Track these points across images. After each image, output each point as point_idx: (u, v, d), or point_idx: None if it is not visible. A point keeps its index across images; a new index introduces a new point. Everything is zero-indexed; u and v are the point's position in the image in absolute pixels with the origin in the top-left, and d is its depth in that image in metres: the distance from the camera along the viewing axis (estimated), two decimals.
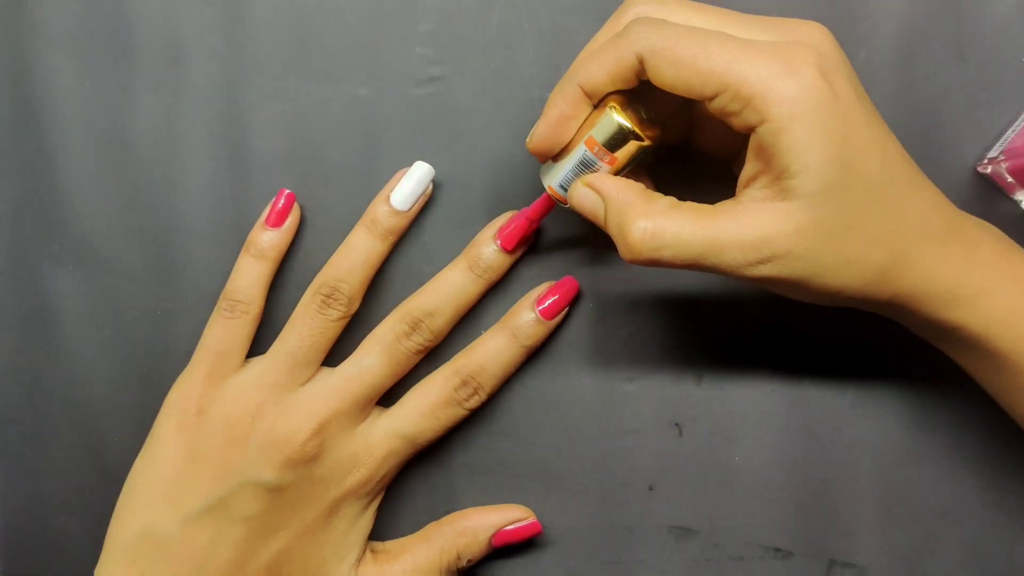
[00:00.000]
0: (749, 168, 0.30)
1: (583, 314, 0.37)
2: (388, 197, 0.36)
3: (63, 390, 0.38)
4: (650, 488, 0.37)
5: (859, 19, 0.37)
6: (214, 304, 0.37)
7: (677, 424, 0.37)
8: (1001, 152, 0.35)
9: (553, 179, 0.33)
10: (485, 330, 0.37)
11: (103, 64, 0.38)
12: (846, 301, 0.30)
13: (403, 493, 0.38)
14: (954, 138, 0.36)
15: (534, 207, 0.35)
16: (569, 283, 0.36)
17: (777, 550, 0.37)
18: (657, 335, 0.37)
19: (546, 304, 0.36)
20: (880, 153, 0.29)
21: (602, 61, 0.30)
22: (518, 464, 0.38)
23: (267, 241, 0.36)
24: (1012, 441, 0.36)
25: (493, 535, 0.36)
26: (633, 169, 0.32)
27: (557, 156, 0.32)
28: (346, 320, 0.36)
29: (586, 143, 0.31)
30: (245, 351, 0.36)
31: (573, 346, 0.37)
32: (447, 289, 0.36)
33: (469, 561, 0.36)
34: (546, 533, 0.37)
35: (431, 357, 0.37)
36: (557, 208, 0.34)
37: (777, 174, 0.29)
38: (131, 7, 0.38)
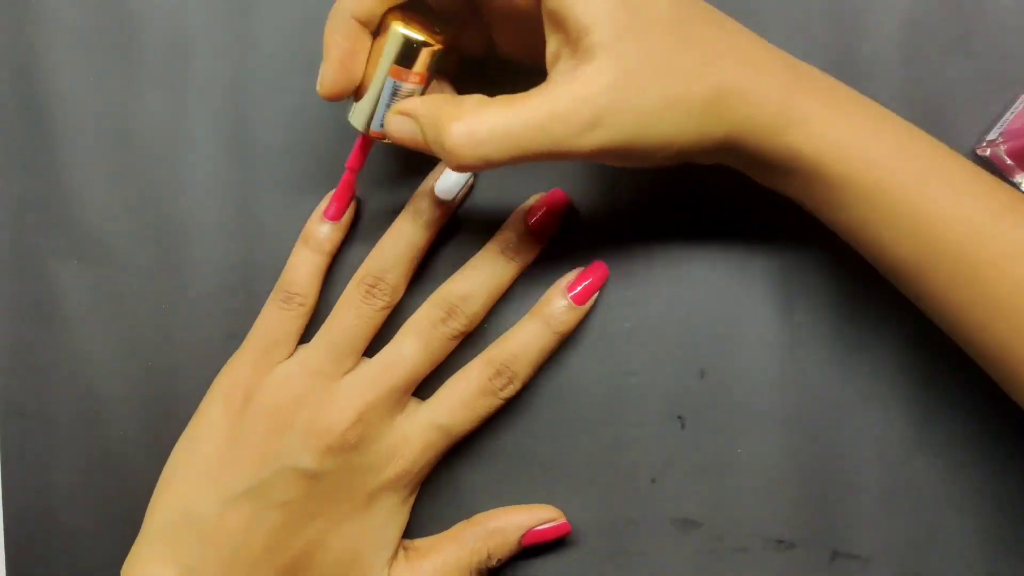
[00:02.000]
0: (551, 46, 0.30)
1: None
2: (432, 187, 0.36)
3: (69, 384, 0.38)
4: (653, 480, 0.37)
5: (862, 13, 0.37)
6: (219, 299, 0.37)
7: (680, 417, 0.37)
8: (1000, 135, 0.35)
9: (371, 120, 0.32)
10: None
11: (109, 59, 0.38)
12: (685, 151, 0.30)
13: None
14: (955, 126, 0.36)
15: (352, 155, 0.34)
16: (599, 268, 0.36)
17: (780, 541, 0.37)
18: (660, 329, 0.37)
19: (578, 290, 0.36)
20: None
21: None
22: (521, 457, 0.38)
23: (324, 234, 0.36)
24: (1016, 432, 0.36)
25: (523, 535, 0.36)
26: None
27: (358, 95, 0.32)
28: (389, 310, 0.36)
29: (390, 73, 0.31)
30: (296, 341, 0.36)
31: (576, 339, 0.37)
32: (481, 273, 0.36)
33: (499, 561, 0.36)
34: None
35: (467, 345, 0.37)
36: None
37: (573, 39, 0.29)
38: (137, 3, 0.38)
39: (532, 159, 0.29)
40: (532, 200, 0.36)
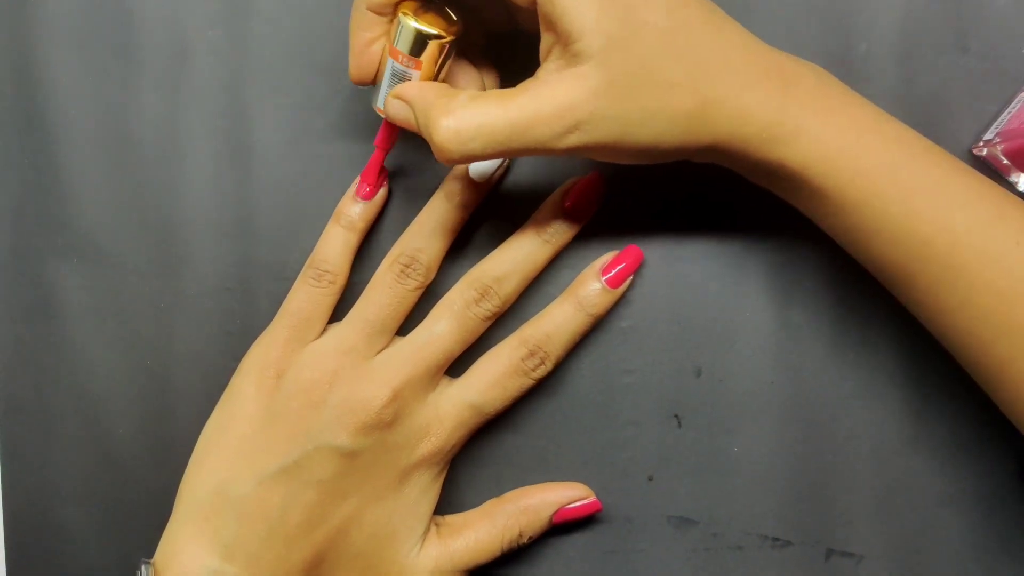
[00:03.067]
0: (544, 42, 0.30)
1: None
2: (467, 168, 0.36)
3: (67, 382, 0.39)
4: (649, 479, 0.37)
5: (858, 11, 0.36)
6: (217, 297, 0.37)
7: (676, 415, 0.37)
8: (996, 135, 0.35)
9: (379, 101, 0.33)
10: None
11: (106, 59, 0.38)
12: (668, 154, 0.30)
13: None
14: (951, 124, 0.36)
15: (379, 134, 0.35)
16: (634, 251, 0.36)
17: (776, 539, 0.37)
18: (657, 328, 0.37)
19: (612, 273, 0.36)
20: (663, 1, 0.29)
21: None
22: (518, 455, 0.38)
23: (357, 212, 0.36)
24: (1010, 429, 0.35)
25: (555, 513, 0.36)
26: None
27: (375, 79, 0.33)
28: (422, 290, 0.36)
29: (391, 55, 0.32)
30: (327, 319, 0.36)
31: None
32: (515, 254, 0.36)
33: (530, 538, 0.36)
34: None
35: (498, 326, 0.37)
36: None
37: (564, 40, 0.29)
38: (134, 2, 0.38)
39: (516, 155, 0.30)
40: (569, 183, 0.36)
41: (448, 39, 0.32)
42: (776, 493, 0.37)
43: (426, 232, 0.36)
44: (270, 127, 0.38)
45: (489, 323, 0.36)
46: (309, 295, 0.36)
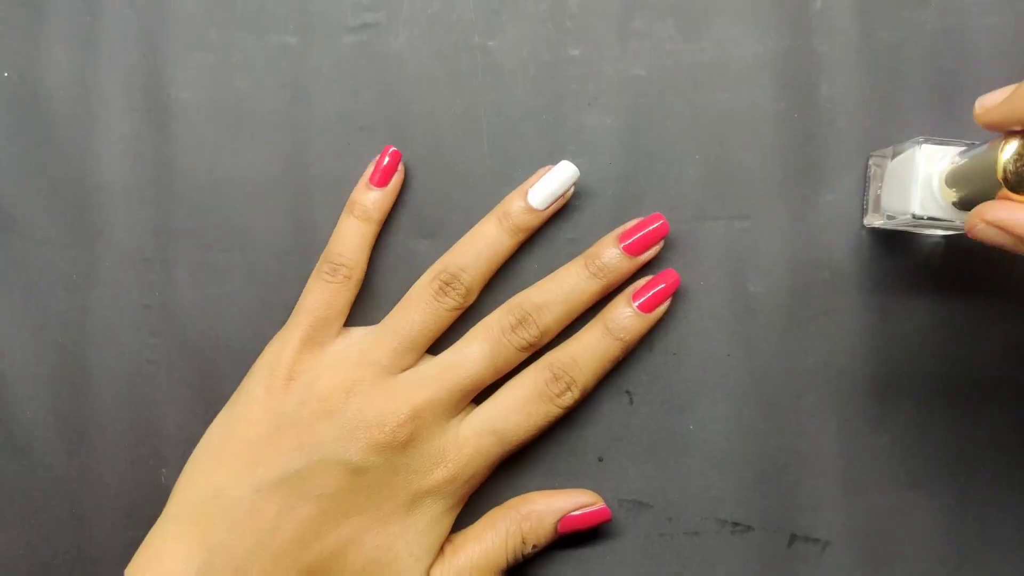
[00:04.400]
0: None
1: (527, 275, 0.36)
2: (526, 193, 0.35)
3: None
4: (600, 459, 0.36)
5: None
6: (134, 268, 0.36)
7: (628, 391, 0.36)
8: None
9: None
10: None
11: (11, 12, 0.37)
12: None
13: None
14: (913, 80, 0.36)
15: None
16: (670, 276, 0.35)
17: (735, 524, 0.36)
18: (606, 297, 0.36)
19: (644, 298, 0.35)
20: None
21: None
22: None
23: (371, 201, 0.35)
24: (983, 408, 0.36)
25: (559, 520, 0.35)
26: None
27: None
28: (460, 311, 0.35)
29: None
30: (344, 316, 0.35)
31: None
32: (561, 286, 0.35)
33: (535, 547, 0.35)
34: (490, 508, 0.36)
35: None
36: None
37: None
38: None
39: None
40: (630, 224, 0.35)
41: None
42: (735, 474, 0.36)
43: (472, 252, 0.35)
44: (189, 84, 0.37)
45: (525, 354, 0.35)
46: (323, 291, 0.35)
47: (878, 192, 0.34)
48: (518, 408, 0.34)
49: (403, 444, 0.33)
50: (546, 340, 0.35)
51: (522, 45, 0.36)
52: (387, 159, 0.35)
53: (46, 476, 0.36)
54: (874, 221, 0.35)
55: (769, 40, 0.36)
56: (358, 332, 0.35)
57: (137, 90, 0.37)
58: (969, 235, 0.28)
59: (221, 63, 0.37)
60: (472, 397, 0.35)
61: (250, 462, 0.33)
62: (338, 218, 0.36)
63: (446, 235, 0.36)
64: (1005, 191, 0.27)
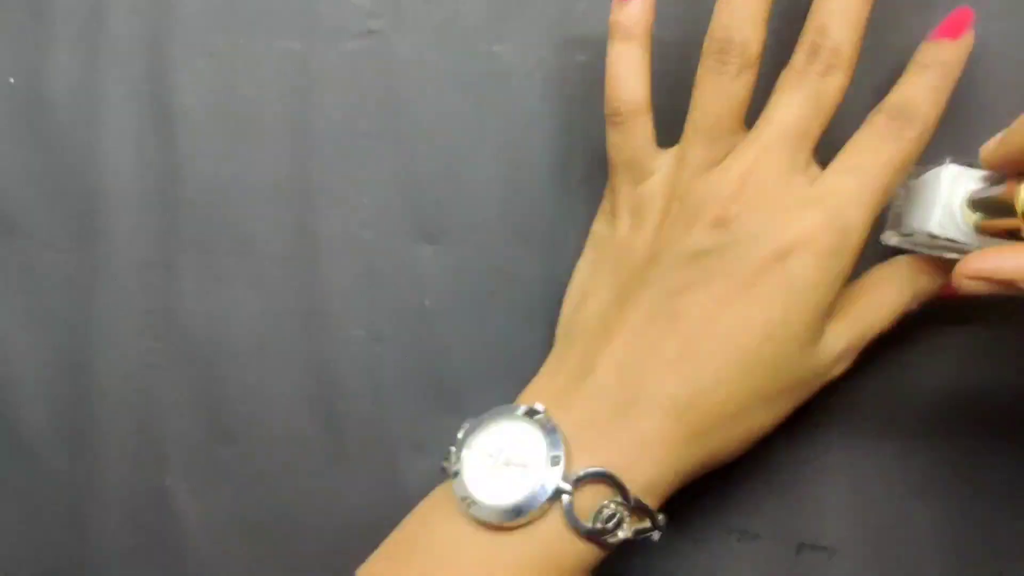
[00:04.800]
0: None
1: (532, 282, 0.37)
2: None
3: None
4: None
5: None
6: (138, 272, 0.37)
7: None
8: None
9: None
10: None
11: (17, 18, 0.38)
12: None
13: (339, 472, 0.37)
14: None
15: None
16: (962, 11, 0.32)
17: (742, 532, 0.36)
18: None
19: (946, 29, 0.32)
20: None
21: None
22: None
23: (630, 18, 0.33)
24: (988, 415, 0.36)
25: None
26: None
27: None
28: (751, 73, 0.32)
29: None
30: (650, 147, 0.33)
31: (523, 316, 0.37)
32: (841, 4, 0.31)
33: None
34: None
35: None
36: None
37: None
38: None
39: None
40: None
41: None
42: (742, 482, 0.36)
43: (727, 10, 0.31)
44: (194, 90, 0.37)
45: (834, 78, 0.31)
46: (620, 139, 0.33)
47: (899, 209, 0.34)
48: (863, 147, 0.31)
49: (742, 212, 0.31)
50: (847, 59, 0.31)
51: (529, 51, 0.36)
52: None
53: (49, 480, 0.37)
54: (891, 239, 0.34)
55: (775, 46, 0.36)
56: (664, 152, 0.34)
57: (142, 95, 0.37)
58: (959, 292, 0.28)
59: (225, 69, 0.37)
60: (807, 147, 0.32)
61: (610, 280, 0.33)
62: (338, 224, 0.36)
63: (452, 241, 0.36)
64: None
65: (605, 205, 0.35)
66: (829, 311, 0.31)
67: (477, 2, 0.37)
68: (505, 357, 0.37)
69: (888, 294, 0.33)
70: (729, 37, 0.31)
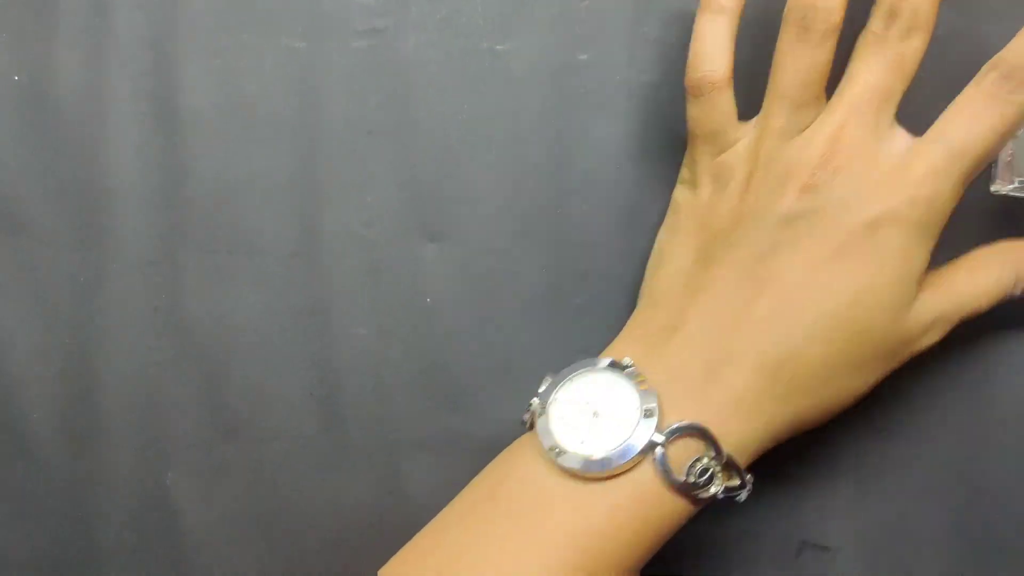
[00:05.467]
0: None
1: (534, 281, 0.37)
2: None
3: None
4: None
5: None
6: (143, 271, 0.37)
7: None
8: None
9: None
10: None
11: (20, 15, 0.38)
12: None
13: (341, 470, 0.37)
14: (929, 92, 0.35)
15: None
16: None
17: (744, 531, 0.36)
18: (611, 301, 0.37)
19: None
20: None
21: None
22: (470, 439, 0.37)
23: None
24: (991, 414, 0.36)
25: None
26: None
27: None
28: (833, 39, 0.31)
29: None
30: (732, 119, 0.33)
31: (525, 314, 0.37)
32: None
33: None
34: None
35: None
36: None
37: None
38: None
39: None
40: None
41: None
42: None
43: None
44: (198, 89, 0.37)
45: (912, 43, 0.31)
46: (698, 110, 0.33)
47: (1009, 158, 0.33)
48: (962, 112, 0.31)
49: (830, 180, 0.31)
50: (924, 13, 0.31)
51: (531, 49, 0.36)
52: None
53: (52, 478, 0.37)
54: (1002, 188, 0.33)
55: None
56: (745, 125, 0.33)
57: (146, 94, 0.37)
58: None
59: (230, 67, 0.37)
60: (890, 111, 0.32)
61: (694, 249, 0.33)
62: (342, 222, 0.36)
63: (454, 239, 0.36)
64: None
65: (684, 173, 0.35)
66: (920, 280, 0.31)
67: (481, 0, 0.37)
68: (507, 355, 0.37)
69: (990, 273, 0.32)
70: (812, 4, 0.31)
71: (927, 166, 0.30)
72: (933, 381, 0.36)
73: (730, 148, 0.33)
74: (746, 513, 0.36)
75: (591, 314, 0.37)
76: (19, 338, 0.38)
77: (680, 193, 0.35)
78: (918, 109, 0.35)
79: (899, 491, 0.36)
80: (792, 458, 0.36)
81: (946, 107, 0.31)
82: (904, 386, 0.36)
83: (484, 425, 0.37)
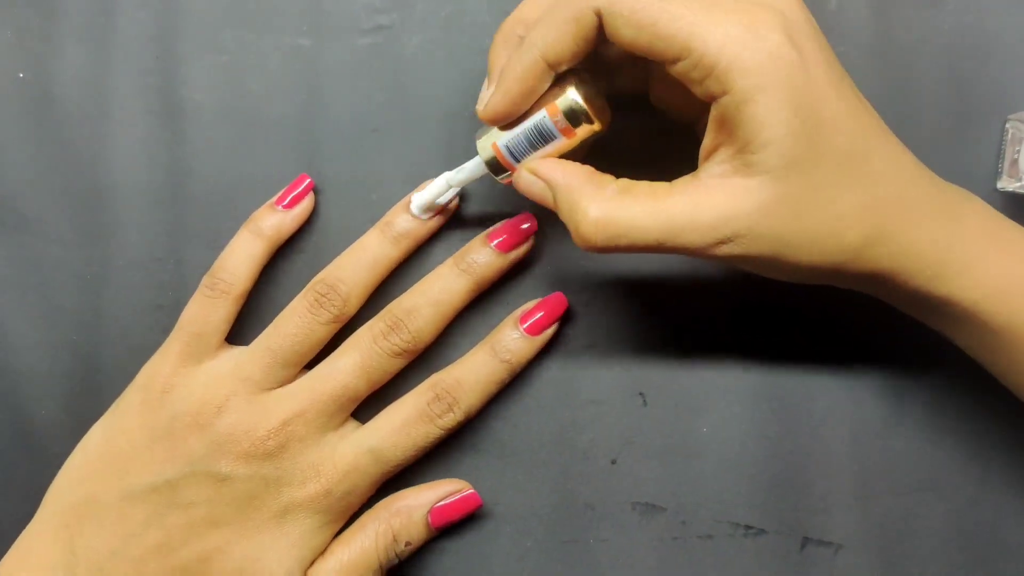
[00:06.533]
0: (709, 139, 0.29)
1: (537, 275, 0.37)
2: (408, 202, 0.35)
3: None
4: (613, 462, 0.37)
5: None
6: (146, 268, 0.38)
7: (641, 393, 0.37)
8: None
9: (500, 137, 0.32)
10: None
11: (25, 14, 0.38)
12: (820, 278, 0.30)
13: None
14: (927, 81, 0.36)
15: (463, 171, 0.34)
16: (556, 300, 0.36)
17: (748, 527, 0.36)
18: (619, 297, 0.37)
19: (530, 321, 0.35)
20: (852, 124, 0.29)
21: (560, 23, 0.29)
22: (471, 438, 0.37)
23: (269, 221, 0.36)
24: (995, 410, 0.36)
25: (429, 512, 0.35)
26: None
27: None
28: (338, 325, 0.35)
29: (548, 110, 0.30)
30: (223, 333, 0.35)
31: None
32: (429, 286, 0.35)
33: (408, 544, 0.35)
34: (500, 511, 0.36)
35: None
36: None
37: (739, 147, 0.28)
38: None
39: (656, 252, 0.30)
40: (499, 224, 0.36)
41: (601, 129, 0.31)
42: (748, 478, 0.37)
43: (352, 263, 0.35)
44: (203, 86, 0.38)
45: (399, 361, 0.35)
46: (202, 306, 0.35)
47: (1015, 156, 0.34)
48: (398, 428, 0.34)
49: (271, 455, 0.33)
50: (421, 345, 0.35)
51: None
52: (300, 187, 0.36)
53: (56, 467, 0.36)
54: (1008, 185, 0.35)
55: None
56: (235, 349, 0.36)
57: (150, 91, 0.38)
58: None
59: (234, 65, 0.37)
60: (349, 409, 0.35)
61: (122, 470, 0.34)
62: (347, 219, 0.37)
63: (459, 237, 0.37)
64: None
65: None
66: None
67: None
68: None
69: (363, 541, 0.35)
70: (334, 286, 0.35)
71: (350, 465, 0.34)
72: (933, 378, 0.36)
73: (205, 360, 0.35)
74: (751, 509, 0.36)
75: (594, 307, 0.37)
76: (26, 334, 0.38)
77: (143, 379, 0.35)
78: (909, 115, 0.36)
79: (901, 487, 0.36)
80: (795, 455, 0.36)
81: None
82: (905, 381, 0.36)
83: None
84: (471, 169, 0.33)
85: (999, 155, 0.36)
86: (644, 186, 0.30)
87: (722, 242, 0.29)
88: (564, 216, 0.30)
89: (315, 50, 0.37)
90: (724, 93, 0.27)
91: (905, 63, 0.36)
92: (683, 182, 0.30)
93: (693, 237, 0.29)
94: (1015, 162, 0.34)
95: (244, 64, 0.37)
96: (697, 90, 0.28)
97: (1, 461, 0.38)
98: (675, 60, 0.28)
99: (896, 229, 0.29)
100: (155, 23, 0.38)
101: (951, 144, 0.36)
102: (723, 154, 0.29)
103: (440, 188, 0.35)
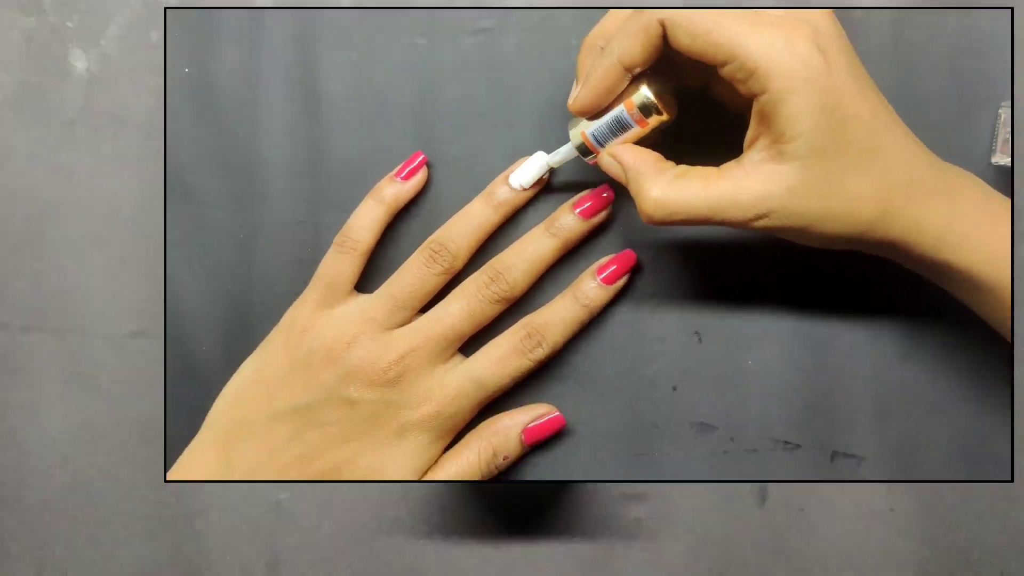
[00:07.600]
0: (752, 130, 0.32)
1: (612, 236, 0.39)
2: (508, 177, 0.38)
3: (164, 303, 0.41)
4: (674, 389, 0.39)
5: None
6: (290, 229, 0.40)
7: (697, 332, 0.39)
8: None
9: (587, 127, 0.35)
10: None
11: (189, 19, 0.41)
12: (842, 245, 0.33)
13: None
14: (938, 77, 0.38)
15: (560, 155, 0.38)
16: (627, 255, 0.38)
17: (787, 443, 0.39)
18: (678, 254, 0.39)
19: (606, 273, 0.38)
20: (869, 120, 0.31)
21: (632, 33, 0.32)
22: (556, 370, 0.39)
23: (390, 190, 0.38)
24: (989, 348, 0.38)
25: (523, 431, 0.38)
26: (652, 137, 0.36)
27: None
28: (447, 276, 0.38)
29: (625, 105, 0.34)
30: (352, 283, 0.38)
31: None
32: (524, 246, 0.38)
33: (505, 458, 0.38)
34: (581, 429, 0.39)
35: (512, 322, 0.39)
36: None
37: (774, 138, 0.31)
38: None
39: (706, 225, 0.33)
40: (582, 194, 0.39)
41: (668, 119, 0.34)
42: (786, 402, 0.39)
43: (460, 226, 0.38)
44: (337, 78, 0.40)
45: (499, 307, 0.38)
46: (334, 261, 0.38)
47: (1007, 135, 0.37)
48: (496, 360, 0.37)
49: (392, 382, 0.36)
50: (517, 293, 0.38)
51: None
52: (416, 162, 0.39)
53: (215, 394, 0.40)
54: (1000, 160, 0.37)
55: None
56: (363, 296, 0.38)
57: (293, 83, 0.40)
58: None
59: (362, 60, 0.40)
60: (456, 346, 0.38)
61: (269, 396, 0.37)
62: (455, 189, 0.39)
63: (549, 205, 0.39)
64: None
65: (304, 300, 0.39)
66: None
67: (567, 4, 0.40)
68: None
69: (468, 456, 0.38)
70: (444, 244, 0.37)
71: (457, 390, 0.37)
72: (939, 323, 0.38)
73: (337, 306, 0.38)
74: (788, 428, 0.39)
75: (659, 262, 0.39)
76: (190, 284, 0.41)
77: (287, 321, 0.39)
78: (918, 103, 0.38)
79: (914, 409, 0.38)
80: (825, 383, 0.38)
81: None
82: (918, 320, 0.38)
83: None
84: (564, 152, 0.37)
85: (993, 135, 0.38)
86: (697, 171, 0.33)
87: (759, 217, 0.32)
88: (633, 194, 0.34)
89: (429, 48, 0.40)
90: (763, 92, 0.30)
91: (915, 59, 0.38)
92: (728, 167, 0.32)
93: (736, 213, 0.32)
94: (1006, 141, 0.37)
95: (370, 60, 0.40)
96: (742, 89, 0.31)
97: (171, 389, 0.41)
98: (724, 63, 0.31)
99: (903, 207, 0.32)
100: (297, 26, 0.40)
101: (954, 126, 0.38)
102: (762, 143, 0.32)
103: (539, 166, 0.38)
